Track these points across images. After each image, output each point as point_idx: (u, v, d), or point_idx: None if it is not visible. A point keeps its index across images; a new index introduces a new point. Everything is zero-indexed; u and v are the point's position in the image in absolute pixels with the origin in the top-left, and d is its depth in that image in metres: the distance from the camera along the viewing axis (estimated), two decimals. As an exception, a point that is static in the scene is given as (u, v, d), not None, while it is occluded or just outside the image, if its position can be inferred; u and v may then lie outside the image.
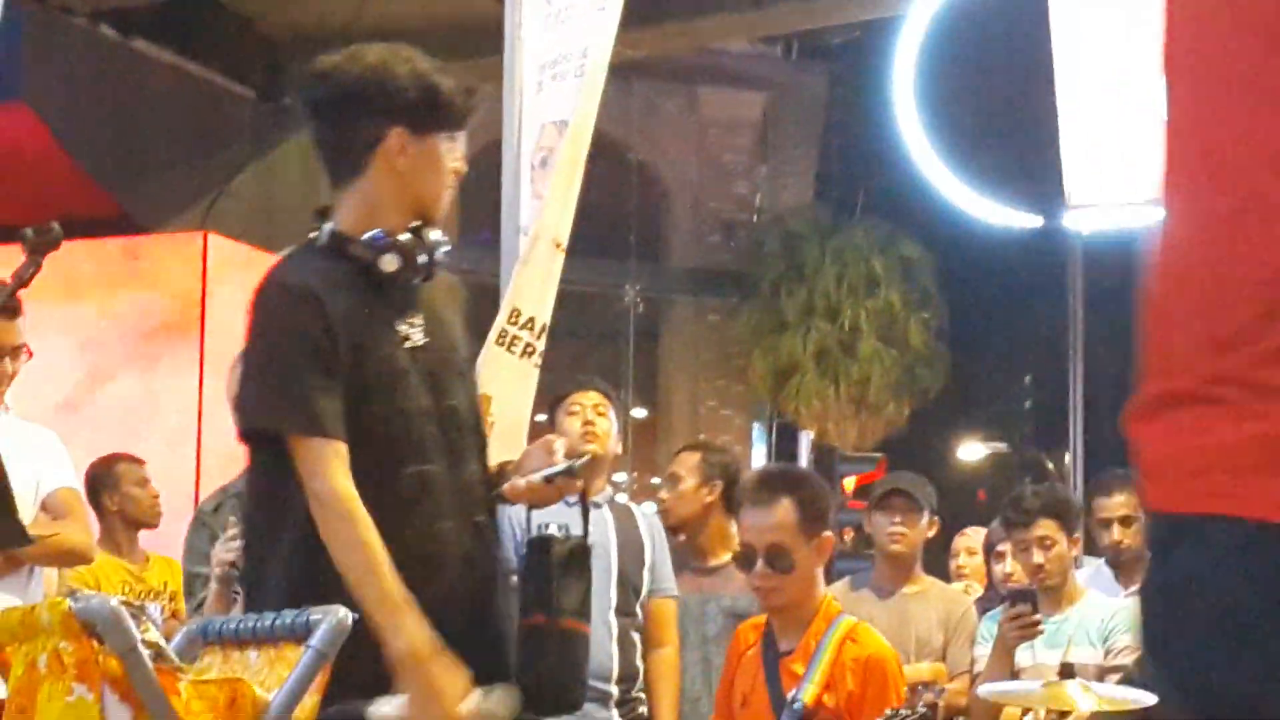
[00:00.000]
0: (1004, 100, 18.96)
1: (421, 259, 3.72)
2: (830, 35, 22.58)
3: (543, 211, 6.23)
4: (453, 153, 3.76)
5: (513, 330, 5.91)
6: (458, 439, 3.76)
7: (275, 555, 3.66)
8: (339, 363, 3.60)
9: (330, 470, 3.55)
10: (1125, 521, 6.69)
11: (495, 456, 3.94)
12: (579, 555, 3.89)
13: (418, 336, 3.73)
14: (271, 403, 3.64)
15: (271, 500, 3.71)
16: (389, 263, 3.69)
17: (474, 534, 3.73)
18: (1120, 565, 6.76)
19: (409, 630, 3.47)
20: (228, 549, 4.73)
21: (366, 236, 3.69)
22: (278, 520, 3.66)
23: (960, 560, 7.54)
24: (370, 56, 3.75)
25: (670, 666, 5.98)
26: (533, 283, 6.01)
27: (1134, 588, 6.69)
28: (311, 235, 3.78)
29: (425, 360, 3.72)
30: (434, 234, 3.76)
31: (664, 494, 6.53)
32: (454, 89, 3.75)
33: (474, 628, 3.69)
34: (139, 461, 7.92)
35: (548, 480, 3.75)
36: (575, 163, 6.21)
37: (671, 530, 6.32)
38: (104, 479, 7.68)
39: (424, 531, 3.65)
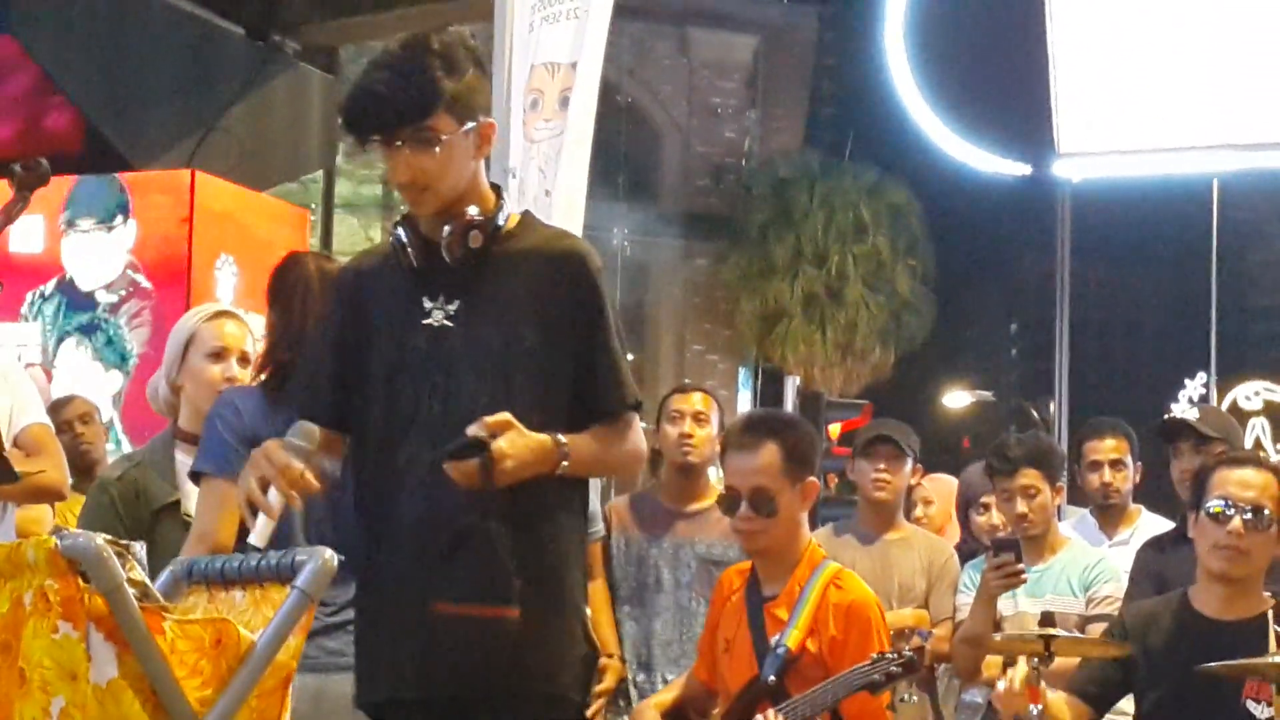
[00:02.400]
0: (995, 48, 18.92)
1: None
2: (822, -21, 22.54)
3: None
4: (390, 160, 3.55)
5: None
6: None
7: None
8: None
9: None
10: (1116, 465, 6.69)
11: None
12: None
13: None
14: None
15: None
16: None
17: None
18: (1108, 510, 6.75)
19: None
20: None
21: None
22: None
23: (918, 511, 7.37)
24: None
25: (602, 596, 6.21)
26: None
27: (1118, 537, 6.70)
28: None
29: None
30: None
31: (691, 429, 6.35)
32: (351, 97, 3.55)
33: None
34: (76, 405, 7.55)
35: None
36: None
37: (684, 469, 6.26)
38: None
39: None
